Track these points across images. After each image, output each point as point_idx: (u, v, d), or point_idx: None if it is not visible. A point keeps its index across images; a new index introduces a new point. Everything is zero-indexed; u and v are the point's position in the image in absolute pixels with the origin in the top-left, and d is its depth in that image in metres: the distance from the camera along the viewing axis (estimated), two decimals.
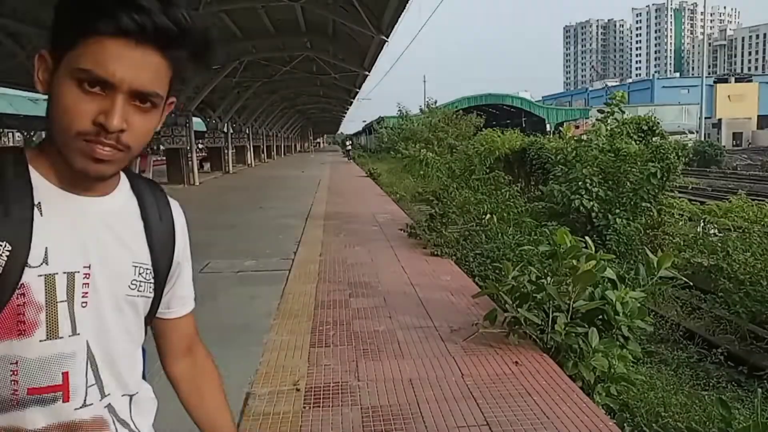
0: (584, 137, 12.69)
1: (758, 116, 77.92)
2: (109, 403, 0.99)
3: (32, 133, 57.21)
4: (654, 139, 15.75)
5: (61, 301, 0.92)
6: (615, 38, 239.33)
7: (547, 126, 66.09)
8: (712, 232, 11.28)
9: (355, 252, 8.12)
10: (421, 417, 3.31)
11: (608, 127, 11.67)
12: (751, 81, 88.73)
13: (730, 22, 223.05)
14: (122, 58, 0.87)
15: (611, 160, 11.84)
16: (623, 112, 12.29)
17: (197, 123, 35.25)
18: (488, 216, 8.26)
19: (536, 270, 5.55)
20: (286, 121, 55.94)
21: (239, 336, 4.83)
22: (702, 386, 4.85)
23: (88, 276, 0.94)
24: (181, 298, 1.18)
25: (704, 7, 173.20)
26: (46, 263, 0.90)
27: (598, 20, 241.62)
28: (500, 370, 3.98)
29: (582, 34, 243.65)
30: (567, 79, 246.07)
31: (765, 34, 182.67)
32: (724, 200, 14.55)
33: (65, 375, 0.93)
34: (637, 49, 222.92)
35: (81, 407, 0.95)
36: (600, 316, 4.64)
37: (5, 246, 0.87)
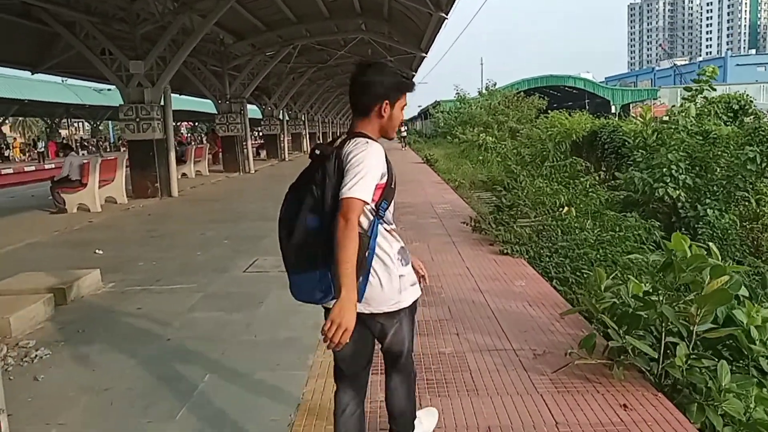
0: (666, 118, 11.43)
1: None
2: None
3: (98, 123, 59.05)
4: (747, 119, 14.21)
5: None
6: (683, 15, 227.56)
7: (612, 108, 63.19)
8: None
9: (414, 249, 7.30)
10: None
11: (698, 107, 10.38)
12: None
13: None
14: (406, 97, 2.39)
15: (699, 143, 10.58)
16: (714, 90, 10.95)
17: (253, 110, 35.16)
18: (566, 208, 7.27)
19: (635, 279, 4.62)
20: (341, 108, 55.46)
21: (282, 354, 4.12)
22: None
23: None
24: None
25: None
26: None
27: None
28: (604, 416, 3.11)
29: (648, 12, 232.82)
30: (631, 58, 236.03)
31: None
32: None
33: (393, 212, 2.42)
34: (707, 26, 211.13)
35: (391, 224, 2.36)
36: (728, 342, 3.69)
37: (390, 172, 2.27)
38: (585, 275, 6.68)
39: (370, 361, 2.48)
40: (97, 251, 7.93)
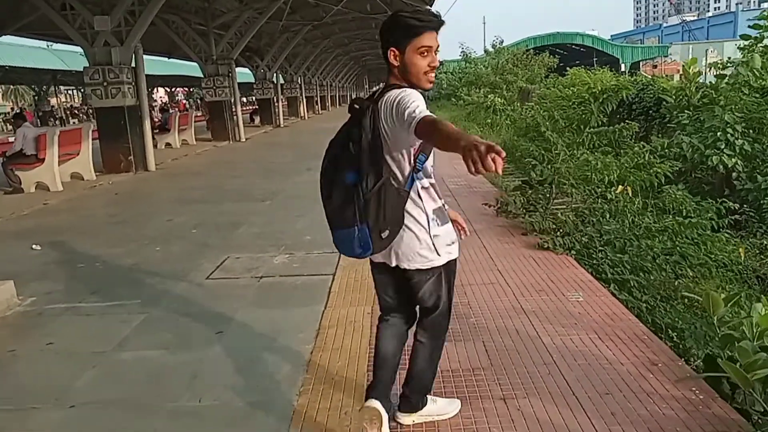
0: (720, 72, 9.75)
1: None
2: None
3: (151, 89, 56.30)
4: None
5: None
6: None
7: (622, 66, 60.67)
8: None
9: None
10: None
11: (764, 57, 8.68)
12: None
13: None
14: (431, 38, 2.12)
15: (755, 101, 8.94)
16: None
17: (246, 74, 33.21)
18: (619, 187, 5.70)
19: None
20: (341, 70, 53.18)
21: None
22: None
23: None
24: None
25: None
26: None
27: None
28: None
29: None
30: (637, 15, 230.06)
31: None
32: None
33: (432, 166, 2.31)
34: None
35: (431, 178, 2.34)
36: None
37: None
38: (649, 274, 5.21)
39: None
40: (33, 246, 6.40)
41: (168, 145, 18.35)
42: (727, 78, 8.99)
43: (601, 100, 6.49)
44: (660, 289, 5.17)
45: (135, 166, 12.38)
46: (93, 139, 11.96)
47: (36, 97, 50.99)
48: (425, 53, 2.11)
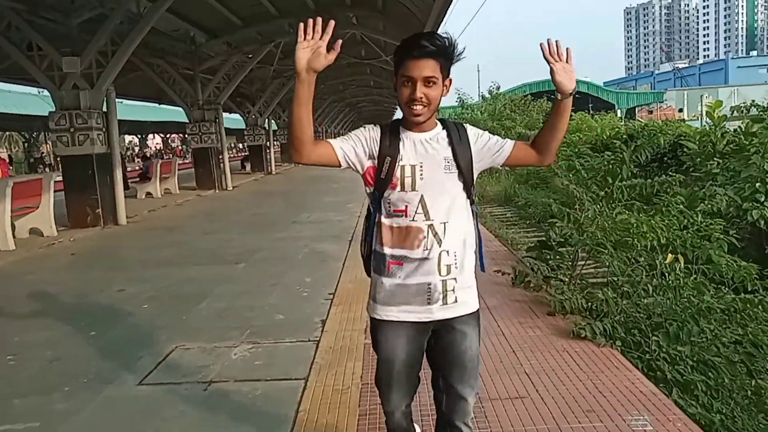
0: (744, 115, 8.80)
1: None
2: (431, 224, 2.01)
3: (144, 135, 55.57)
4: None
5: (407, 176, 2.01)
6: (680, 18, 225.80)
7: (618, 112, 60.47)
8: None
9: None
10: None
11: None
12: None
13: None
14: (414, 67, 1.95)
15: None
16: None
17: (237, 120, 32.46)
18: (669, 256, 4.55)
19: None
20: (336, 116, 52.82)
21: None
22: None
23: (422, 166, 2.02)
24: (501, 153, 2.12)
25: None
26: (402, 161, 2.03)
27: (661, 0, 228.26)
28: None
29: (644, 16, 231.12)
30: (629, 63, 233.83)
31: None
32: None
33: (406, 206, 2.02)
34: (704, 29, 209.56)
35: (411, 221, 2.02)
36: None
37: (391, 159, 2.02)
38: (716, 371, 4.04)
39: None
40: None
41: (149, 194, 17.25)
42: (764, 123, 7.99)
43: (632, 148, 5.46)
44: (732, 391, 3.99)
45: (103, 220, 11.21)
46: (58, 191, 10.84)
47: (26, 144, 50.23)
48: (406, 83, 2.00)
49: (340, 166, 2.05)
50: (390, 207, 2.04)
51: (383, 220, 2.06)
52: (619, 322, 4.29)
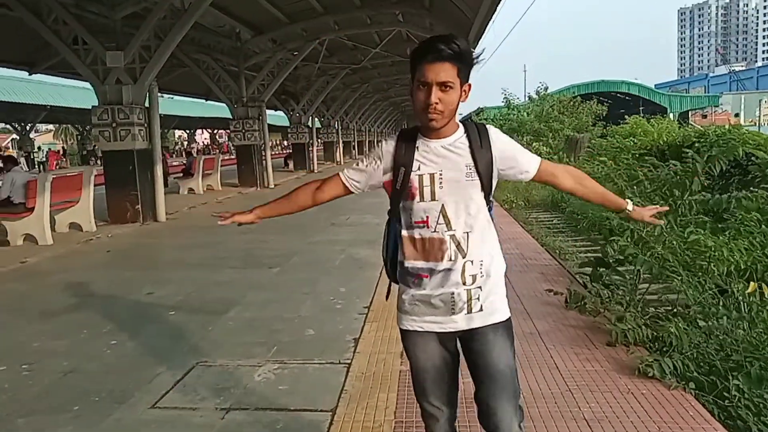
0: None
1: None
2: (453, 234, 1.95)
3: (193, 131, 57.44)
4: None
5: (426, 186, 1.94)
6: (737, 19, 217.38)
7: (670, 116, 58.25)
8: None
9: None
10: None
11: None
12: None
13: None
14: (430, 71, 1.85)
15: None
16: None
17: (282, 118, 32.44)
18: (752, 284, 3.99)
19: None
20: (380, 115, 52.53)
21: None
22: None
23: (441, 174, 1.94)
24: (526, 172, 2.09)
25: None
26: (419, 170, 1.96)
27: (717, 1, 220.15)
28: None
29: (699, 17, 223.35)
30: (681, 65, 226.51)
31: None
32: None
33: (427, 217, 1.95)
34: (764, 30, 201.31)
35: (433, 231, 1.96)
36: None
37: (405, 168, 1.96)
38: None
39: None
40: None
41: (191, 190, 17.29)
42: None
43: (705, 158, 4.90)
44: None
45: (143, 217, 11.13)
46: (99, 185, 10.80)
47: (79, 137, 51.68)
48: (421, 88, 1.89)
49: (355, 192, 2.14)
50: (411, 218, 2.00)
51: (404, 232, 2.02)
52: (691, 358, 3.77)
